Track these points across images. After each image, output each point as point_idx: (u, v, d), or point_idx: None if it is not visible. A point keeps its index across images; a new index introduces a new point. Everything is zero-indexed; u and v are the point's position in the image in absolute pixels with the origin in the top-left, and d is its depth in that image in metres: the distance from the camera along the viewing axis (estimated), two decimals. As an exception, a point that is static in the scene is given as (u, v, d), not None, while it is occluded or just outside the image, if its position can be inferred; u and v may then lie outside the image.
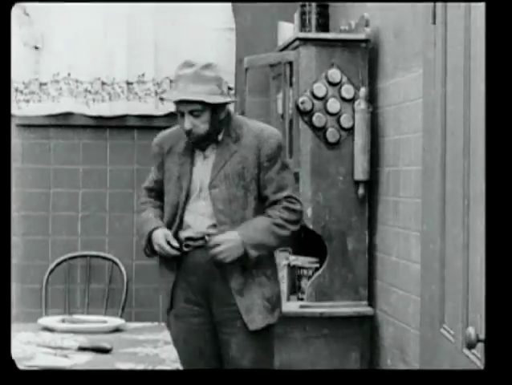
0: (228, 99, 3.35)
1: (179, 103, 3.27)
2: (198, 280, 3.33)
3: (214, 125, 3.28)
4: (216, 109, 3.26)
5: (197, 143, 3.33)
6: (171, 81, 5.00)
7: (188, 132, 3.27)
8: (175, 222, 3.35)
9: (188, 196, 3.35)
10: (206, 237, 3.31)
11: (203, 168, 3.34)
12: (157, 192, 3.48)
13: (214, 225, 3.31)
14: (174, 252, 3.29)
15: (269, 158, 3.29)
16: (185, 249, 3.33)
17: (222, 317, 3.31)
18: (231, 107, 3.92)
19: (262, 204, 3.33)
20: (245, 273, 3.28)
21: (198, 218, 3.33)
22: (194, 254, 3.33)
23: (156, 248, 3.33)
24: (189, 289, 3.36)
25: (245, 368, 3.26)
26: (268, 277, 3.33)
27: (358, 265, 4.26)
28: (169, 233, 3.31)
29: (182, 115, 3.27)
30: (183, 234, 3.34)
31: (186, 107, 3.25)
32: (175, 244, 3.29)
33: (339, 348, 4.22)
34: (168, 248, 3.29)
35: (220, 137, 3.32)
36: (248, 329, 3.26)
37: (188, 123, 3.25)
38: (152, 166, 3.51)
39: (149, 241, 3.35)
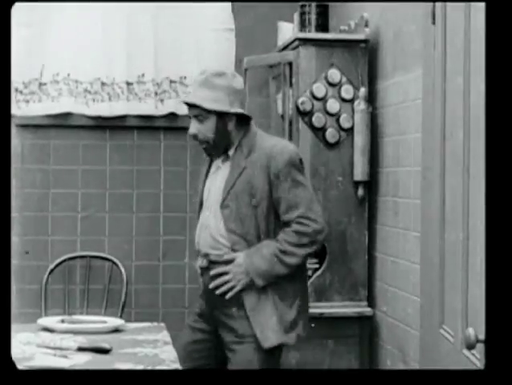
0: (233, 110, 3.21)
1: (188, 107, 3.27)
2: (207, 298, 3.35)
3: (221, 134, 3.22)
4: (223, 117, 3.22)
5: (206, 151, 3.31)
6: (171, 81, 5.01)
7: (194, 138, 3.26)
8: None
9: (200, 206, 3.36)
10: (204, 261, 3.33)
11: (213, 179, 3.33)
12: None
13: (214, 239, 3.28)
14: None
15: (277, 176, 3.19)
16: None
17: (225, 339, 3.28)
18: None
19: (279, 223, 3.25)
20: (258, 292, 3.24)
21: (203, 230, 3.33)
22: (203, 272, 3.36)
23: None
24: (202, 305, 3.37)
25: None
26: (281, 299, 3.24)
27: (357, 266, 4.26)
28: None
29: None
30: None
31: (191, 111, 3.25)
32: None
33: (339, 348, 4.21)
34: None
35: (231, 152, 3.27)
36: (258, 347, 3.20)
37: (192, 127, 3.25)
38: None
39: None
